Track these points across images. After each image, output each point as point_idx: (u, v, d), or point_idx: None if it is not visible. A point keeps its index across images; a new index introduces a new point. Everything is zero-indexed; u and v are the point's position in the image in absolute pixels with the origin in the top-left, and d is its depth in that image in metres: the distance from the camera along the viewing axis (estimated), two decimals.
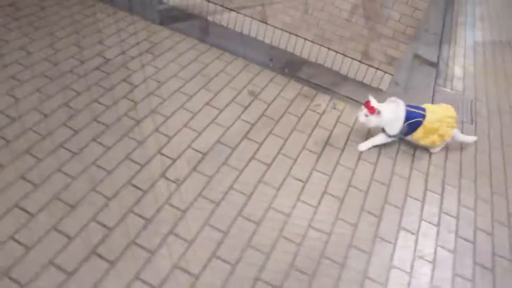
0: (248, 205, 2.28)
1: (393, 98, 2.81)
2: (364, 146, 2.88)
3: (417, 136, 2.84)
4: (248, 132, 2.76)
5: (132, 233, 2.00)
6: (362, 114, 2.71)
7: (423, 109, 2.81)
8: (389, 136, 2.85)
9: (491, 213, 2.67)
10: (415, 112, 2.78)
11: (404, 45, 3.28)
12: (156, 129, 2.60)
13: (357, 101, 3.28)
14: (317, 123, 3.00)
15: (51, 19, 3.33)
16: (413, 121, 2.76)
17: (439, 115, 2.83)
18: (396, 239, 2.33)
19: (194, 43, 3.49)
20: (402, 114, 2.74)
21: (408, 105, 2.80)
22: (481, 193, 2.79)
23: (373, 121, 2.72)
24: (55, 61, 2.92)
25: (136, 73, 3.00)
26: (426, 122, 2.77)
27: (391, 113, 2.73)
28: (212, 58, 3.36)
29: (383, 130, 2.85)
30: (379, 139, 2.89)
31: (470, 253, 2.38)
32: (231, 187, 2.35)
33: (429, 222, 2.50)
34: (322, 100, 3.23)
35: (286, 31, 3.60)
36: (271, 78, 3.34)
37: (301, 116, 3.02)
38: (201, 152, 2.52)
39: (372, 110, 2.66)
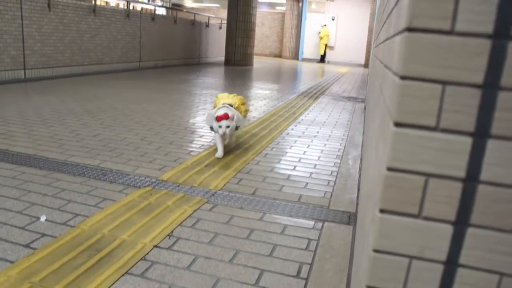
0: None
1: (220, 106, 3.43)
2: (220, 152, 3.44)
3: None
4: None
5: None
6: (224, 127, 3.25)
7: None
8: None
9: None
10: (228, 105, 3.47)
11: None
12: None
13: None
14: None
15: None
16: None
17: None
18: None
19: None
20: (234, 109, 3.46)
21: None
22: None
23: (232, 124, 3.31)
24: None
25: None
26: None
27: (234, 111, 3.37)
28: None
29: (213, 130, 3.41)
30: (218, 136, 3.40)
31: None
32: None
33: None
34: None
35: None
36: None
37: None
38: None
39: (227, 116, 3.25)
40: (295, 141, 4.16)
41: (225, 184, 2.83)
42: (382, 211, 0.81)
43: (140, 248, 1.93)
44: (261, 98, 7.10)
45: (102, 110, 5.13)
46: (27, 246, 1.90)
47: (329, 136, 4.50)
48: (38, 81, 7.27)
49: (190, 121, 4.87)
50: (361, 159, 3.62)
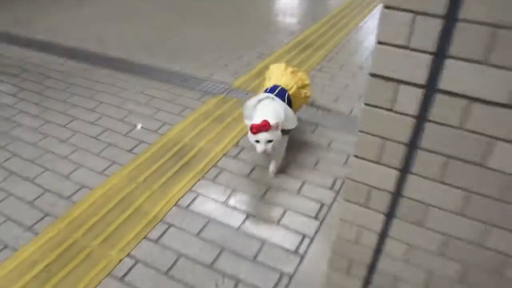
0: None
1: (261, 96, 2.29)
2: (274, 167, 2.35)
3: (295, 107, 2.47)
4: None
5: None
6: (262, 144, 2.06)
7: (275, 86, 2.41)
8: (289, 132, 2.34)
9: None
10: (280, 90, 2.38)
11: None
12: None
13: None
14: None
15: None
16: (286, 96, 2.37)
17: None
18: None
19: None
20: (283, 104, 2.30)
21: (270, 91, 2.35)
22: None
23: (277, 135, 2.11)
24: None
25: None
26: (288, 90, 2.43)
27: (280, 109, 2.23)
28: None
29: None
30: (281, 150, 2.36)
31: None
32: None
33: None
34: None
35: None
36: None
37: None
38: None
39: (267, 126, 2.05)
40: (362, 42, 4.30)
41: None
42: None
43: (213, 156, 2.49)
44: None
45: (185, 5, 5.46)
46: (130, 151, 2.53)
47: None
48: None
49: (264, 17, 5.08)
50: None
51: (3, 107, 3.04)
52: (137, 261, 1.85)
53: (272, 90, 2.38)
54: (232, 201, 2.16)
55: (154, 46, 4.09)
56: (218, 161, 2.45)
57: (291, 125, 2.32)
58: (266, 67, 3.60)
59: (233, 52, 3.97)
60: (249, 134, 2.10)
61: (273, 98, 2.28)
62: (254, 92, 3.22)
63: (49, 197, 2.21)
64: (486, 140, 0.91)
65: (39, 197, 2.22)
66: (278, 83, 2.45)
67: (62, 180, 2.33)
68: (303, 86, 2.61)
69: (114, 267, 1.82)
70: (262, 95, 2.30)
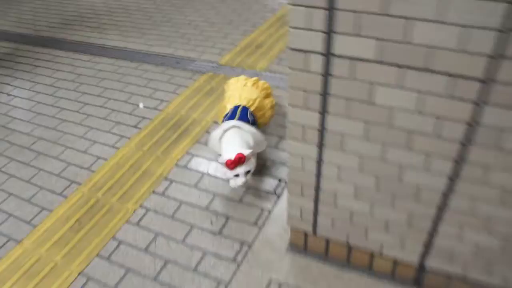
0: None
1: (226, 126, 2.29)
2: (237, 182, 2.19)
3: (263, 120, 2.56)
4: None
5: None
6: (242, 177, 2.14)
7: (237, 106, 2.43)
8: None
9: None
10: (241, 111, 2.40)
11: None
12: None
13: None
14: None
15: None
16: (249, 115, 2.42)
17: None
18: None
19: None
20: (249, 128, 2.32)
21: (231, 116, 2.38)
22: None
23: (253, 164, 2.19)
24: None
25: None
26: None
27: (248, 137, 2.26)
28: None
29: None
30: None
31: None
32: None
33: None
34: None
35: None
36: None
37: None
38: None
39: (243, 159, 2.10)
40: None
41: (268, 65, 3.65)
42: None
43: (204, 124, 2.95)
44: None
45: None
46: (135, 126, 3.00)
47: None
48: None
49: None
50: None
51: (23, 100, 3.51)
52: (148, 210, 2.34)
53: (233, 114, 2.39)
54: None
55: (147, 31, 4.51)
56: (209, 127, 2.91)
57: (261, 148, 2.39)
58: (250, 43, 4.04)
59: (219, 32, 4.38)
60: (226, 170, 2.13)
61: (238, 127, 2.27)
62: (239, 66, 3.65)
63: (72, 169, 2.70)
64: (369, 85, 1.36)
65: (64, 169, 2.70)
66: (239, 102, 2.45)
67: (81, 155, 2.81)
68: (267, 96, 2.64)
69: (131, 216, 2.31)
70: (226, 124, 2.29)
